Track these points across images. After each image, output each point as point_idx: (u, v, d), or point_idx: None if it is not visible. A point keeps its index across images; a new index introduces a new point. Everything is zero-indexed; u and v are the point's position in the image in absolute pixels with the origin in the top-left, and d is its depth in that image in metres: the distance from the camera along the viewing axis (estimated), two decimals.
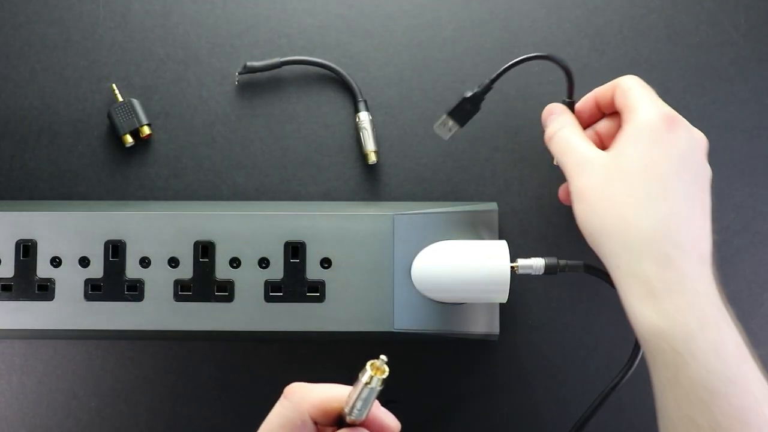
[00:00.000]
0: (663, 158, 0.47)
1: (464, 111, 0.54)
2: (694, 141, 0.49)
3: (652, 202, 0.46)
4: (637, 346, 0.53)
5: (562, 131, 0.51)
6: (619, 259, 0.46)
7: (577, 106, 0.54)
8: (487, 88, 0.54)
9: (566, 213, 0.60)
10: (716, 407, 0.41)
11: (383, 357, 0.37)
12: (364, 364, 0.37)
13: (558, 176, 0.60)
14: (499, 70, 0.54)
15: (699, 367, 0.42)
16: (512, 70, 0.62)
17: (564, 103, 0.54)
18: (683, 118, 0.49)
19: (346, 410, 0.38)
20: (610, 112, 0.53)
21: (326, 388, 0.39)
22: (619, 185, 0.46)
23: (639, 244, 0.45)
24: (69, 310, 0.55)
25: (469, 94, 0.54)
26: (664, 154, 0.47)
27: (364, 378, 0.37)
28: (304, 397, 0.38)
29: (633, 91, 0.49)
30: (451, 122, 0.55)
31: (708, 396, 0.42)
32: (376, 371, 0.37)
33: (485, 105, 0.61)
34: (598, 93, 0.53)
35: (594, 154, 0.49)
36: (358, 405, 0.38)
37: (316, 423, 0.39)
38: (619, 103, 0.50)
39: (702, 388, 0.42)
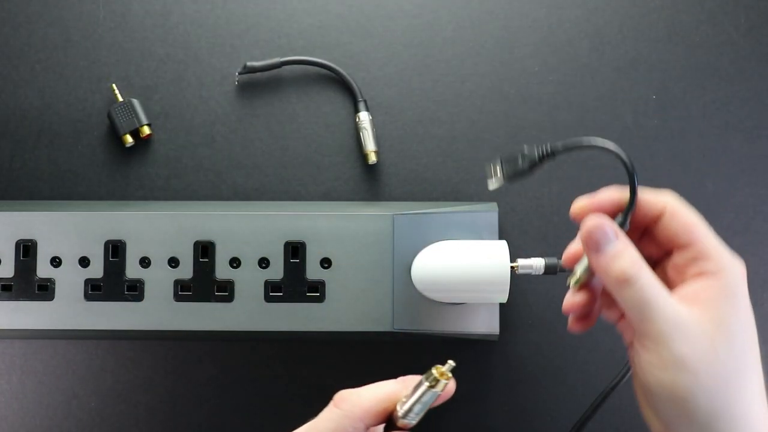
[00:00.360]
0: (753, 320, 0.41)
1: (516, 167, 0.44)
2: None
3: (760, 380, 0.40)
4: None
5: (642, 282, 0.39)
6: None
7: (596, 204, 0.42)
8: (549, 156, 0.43)
9: (566, 213, 0.60)
10: None
11: (451, 362, 0.38)
12: (429, 368, 0.38)
13: (558, 176, 0.60)
14: (570, 145, 0.42)
15: None
16: (512, 70, 0.62)
17: (620, 224, 0.41)
18: None
19: (401, 413, 0.39)
20: (643, 231, 0.43)
21: (375, 391, 0.39)
22: (731, 363, 0.39)
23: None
24: (69, 310, 0.55)
25: (526, 151, 0.43)
26: (751, 316, 0.41)
27: (428, 382, 0.38)
28: (355, 404, 0.39)
29: (703, 231, 0.40)
30: (499, 173, 0.45)
31: None
32: (441, 376, 0.38)
33: (484, 104, 0.61)
34: (641, 206, 0.41)
35: (690, 316, 0.39)
36: (416, 409, 0.38)
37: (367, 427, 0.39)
38: (684, 239, 0.40)
39: None
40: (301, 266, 0.55)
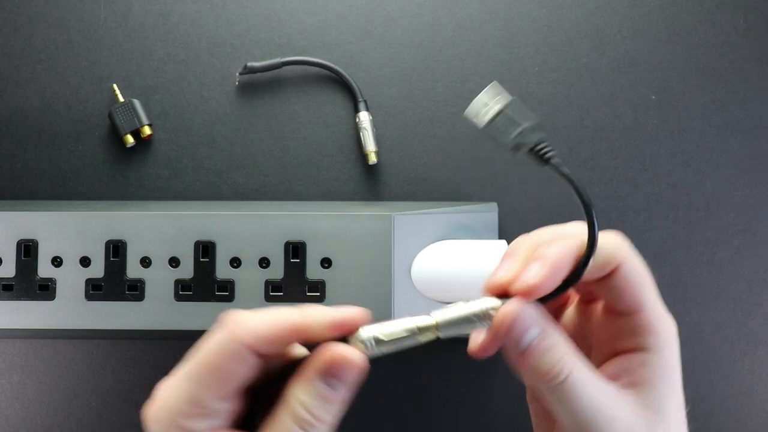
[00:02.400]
0: (681, 393, 0.36)
1: (505, 135, 0.37)
2: None
3: None
4: None
5: (573, 376, 0.33)
6: None
7: (544, 277, 0.33)
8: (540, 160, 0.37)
9: (566, 213, 0.60)
10: None
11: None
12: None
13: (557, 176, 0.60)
14: (562, 171, 0.37)
15: None
16: (512, 70, 0.62)
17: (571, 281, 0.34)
18: None
19: (365, 334, 0.32)
20: (587, 295, 0.37)
21: (269, 314, 0.32)
22: None
23: None
24: (70, 309, 0.55)
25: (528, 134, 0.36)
26: (681, 387, 0.36)
27: (424, 322, 0.32)
28: (241, 324, 0.32)
29: (651, 296, 0.35)
30: (489, 116, 0.36)
31: None
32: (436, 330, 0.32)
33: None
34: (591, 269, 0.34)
35: (626, 408, 0.34)
36: (385, 349, 0.32)
37: (260, 355, 0.32)
38: (630, 306, 0.35)
39: None
40: (302, 266, 0.55)
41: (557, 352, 0.33)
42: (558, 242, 0.34)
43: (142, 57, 0.61)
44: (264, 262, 0.56)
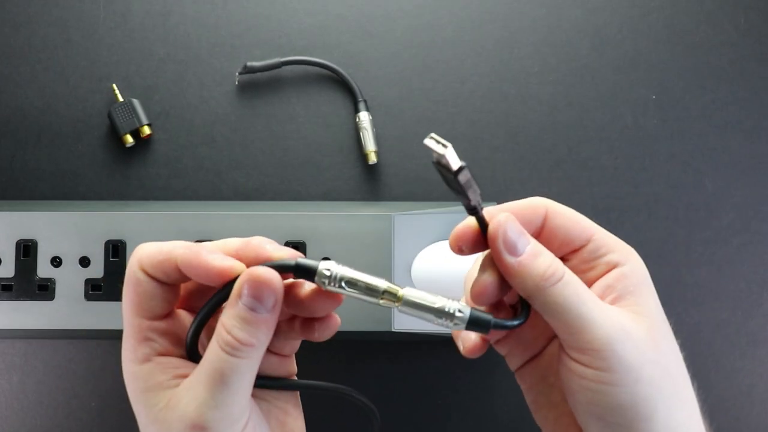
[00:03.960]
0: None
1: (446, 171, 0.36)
2: None
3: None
4: None
5: (567, 275, 0.34)
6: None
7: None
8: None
9: None
10: None
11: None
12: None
13: (558, 176, 0.60)
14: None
15: None
16: (512, 70, 0.62)
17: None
18: None
19: (333, 272, 0.34)
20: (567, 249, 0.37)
21: (166, 243, 0.34)
22: (673, 357, 0.36)
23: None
24: (69, 309, 0.55)
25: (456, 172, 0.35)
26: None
27: (390, 288, 0.33)
28: (136, 250, 0.34)
29: (593, 225, 0.36)
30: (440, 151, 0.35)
31: None
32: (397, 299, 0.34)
33: (484, 104, 0.61)
34: (520, 216, 0.36)
35: (625, 316, 0.35)
36: (343, 291, 0.34)
37: (160, 281, 0.34)
38: (581, 236, 0.36)
39: None
40: None
41: (548, 255, 0.34)
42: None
43: (142, 57, 0.61)
44: None
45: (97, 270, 0.55)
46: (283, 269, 0.33)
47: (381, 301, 0.34)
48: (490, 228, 0.34)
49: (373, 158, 0.59)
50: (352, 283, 0.34)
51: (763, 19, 0.61)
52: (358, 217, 0.56)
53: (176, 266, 0.33)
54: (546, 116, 0.61)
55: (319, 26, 0.61)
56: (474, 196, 0.35)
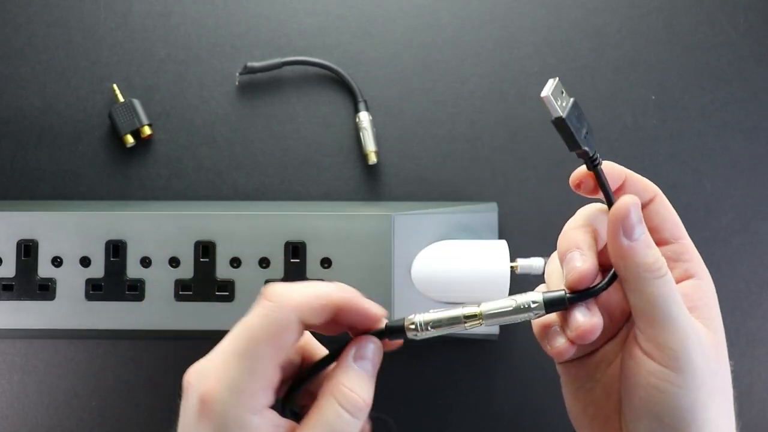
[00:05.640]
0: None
1: (574, 134, 0.38)
2: None
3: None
4: None
5: (670, 274, 0.36)
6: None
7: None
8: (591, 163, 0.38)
9: (566, 213, 0.60)
10: None
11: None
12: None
13: (558, 176, 0.60)
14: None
15: None
16: (512, 70, 0.62)
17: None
18: None
19: (415, 320, 0.36)
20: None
21: (309, 285, 0.35)
22: (725, 375, 0.37)
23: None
24: (70, 309, 0.55)
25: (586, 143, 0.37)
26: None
27: (470, 311, 0.35)
28: (287, 294, 0.34)
29: (684, 229, 0.39)
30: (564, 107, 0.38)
31: None
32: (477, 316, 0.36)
33: (484, 104, 0.61)
34: (633, 186, 0.38)
35: (700, 326, 0.36)
36: (435, 333, 0.36)
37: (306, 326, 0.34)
38: (673, 233, 0.38)
39: None
40: (302, 266, 0.55)
41: (656, 249, 0.36)
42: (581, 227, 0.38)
43: (143, 57, 0.61)
44: (264, 262, 0.56)
45: (97, 270, 0.56)
46: (380, 335, 0.37)
47: (466, 325, 0.36)
48: (615, 206, 0.35)
49: (373, 158, 0.59)
50: (436, 324, 0.37)
51: (763, 19, 0.61)
52: (358, 217, 0.56)
53: (333, 311, 0.35)
54: (546, 116, 0.61)
55: (319, 26, 0.61)
56: (590, 147, 0.36)
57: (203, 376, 0.33)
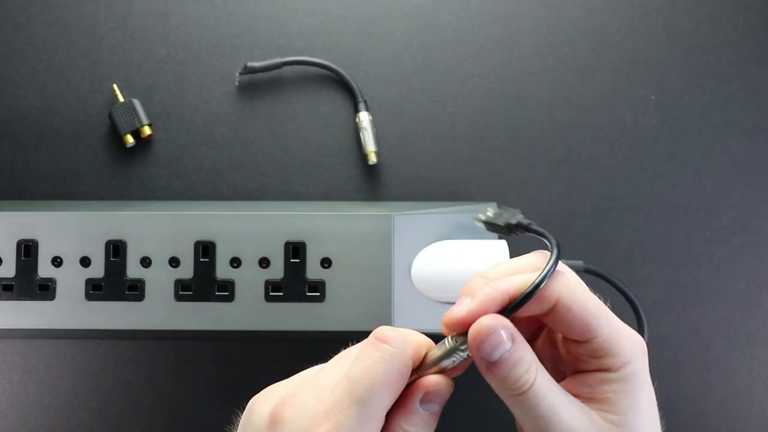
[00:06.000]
0: (654, 406, 0.37)
1: (496, 223, 0.41)
2: None
3: None
4: None
5: (537, 386, 0.34)
6: None
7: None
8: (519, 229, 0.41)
9: (566, 213, 0.61)
10: None
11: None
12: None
13: (558, 176, 0.60)
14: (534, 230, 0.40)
15: None
16: (512, 70, 0.62)
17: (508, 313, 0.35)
18: None
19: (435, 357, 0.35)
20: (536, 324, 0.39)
21: (416, 333, 0.34)
22: None
23: None
24: (70, 309, 0.55)
25: (514, 222, 0.40)
26: (653, 401, 0.37)
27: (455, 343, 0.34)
28: (406, 341, 0.33)
29: (601, 322, 0.35)
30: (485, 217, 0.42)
31: None
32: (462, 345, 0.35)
33: (484, 104, 0.61)
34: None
35: (591, 426, 0.35)
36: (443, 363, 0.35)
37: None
38: (580, 336, 0.35)
39: None
40: (302, 266, 0.55)
41: (524, 364, 0.34)
42: (495, 282, 0.35)
43: (143, 57, 0.61)
44: (264, 262, 0.56)
45: (97, 270, 0.56)
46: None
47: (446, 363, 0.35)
48: (472, 328, 0.34)
49: (373, 158, 0.59)
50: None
51: (762, 19, 0.61)
52: (358, 217, 0.56)
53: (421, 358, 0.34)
54: (546, 116, 0.61)
55: (319, 26, 0.61)
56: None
57: (311, 415, 0.32)
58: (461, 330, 0.35)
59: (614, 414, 0.35)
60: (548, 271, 0.34)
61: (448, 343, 0.35)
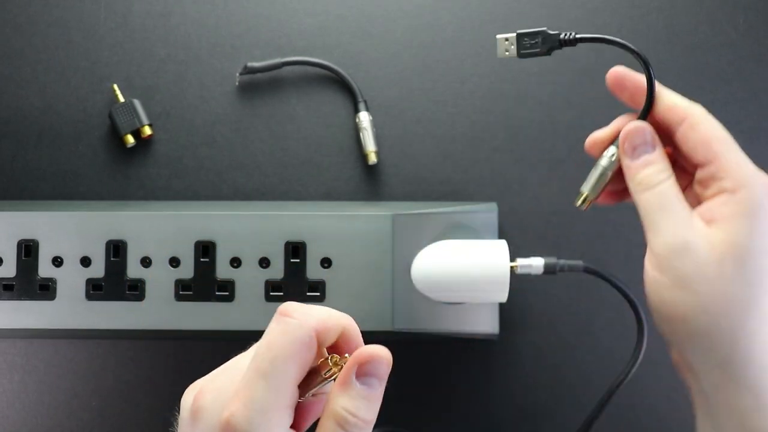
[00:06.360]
0: None
1: (533, 44, 0.45)
2: None
3: None
4: (639, 346, 0.54)
5: (662, 186, 0.40)
6: (722, 376, 0.37)
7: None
8: (570, 43, 0.45)
9: (566, 213, 0.61)
10: None
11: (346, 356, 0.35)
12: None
13: (558, 176, 0.60)
14: (592, 36, 0.45)
15: None
16: (512, 70, 0.62)
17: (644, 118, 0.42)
18: None
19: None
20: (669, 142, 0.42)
21: (324, 308, 0.35)
22: (738, 284, 0.37)
23: (757, 369, 0.37)
24: (70, 309, 0.55)
25: (551, 32, 0.44)
26: None
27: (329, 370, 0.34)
28: (309, 313, 0.33)
29: (723, 147, 0.39)
30: (513, 46, 0.45)
31: None
32: (335, 366, 0.34)
33: (484, 104, 0.61)
34: (661, 108, 0.42)
35: (702, 234, 0.38)
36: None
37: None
38: (702, 155, 0.39)
39: None
40: (302, 266, 0.55)
41: (660, 165, 0.40)
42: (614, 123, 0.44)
43: (143, 57, 0.61)
44: (264, 262, 0.56)
45: (98, 270, 0.56)
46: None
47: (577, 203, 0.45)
48: (624, 130, 0.42)
49: (373, 158, 0.59)
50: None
51: (762, 19, 0.61)
52: (358, 217, 0.56)
53: (339, 334, 0.34)
54: (546, 116, 0.61)
55: (319, 27, 0.61)
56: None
57: (220, 399, 0.32)
58: (608, 146, 0.43)
59: (728, 233, 0.37)
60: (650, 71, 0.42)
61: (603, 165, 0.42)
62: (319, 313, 0.34)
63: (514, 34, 0.44)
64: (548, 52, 0.45)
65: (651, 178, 0.40)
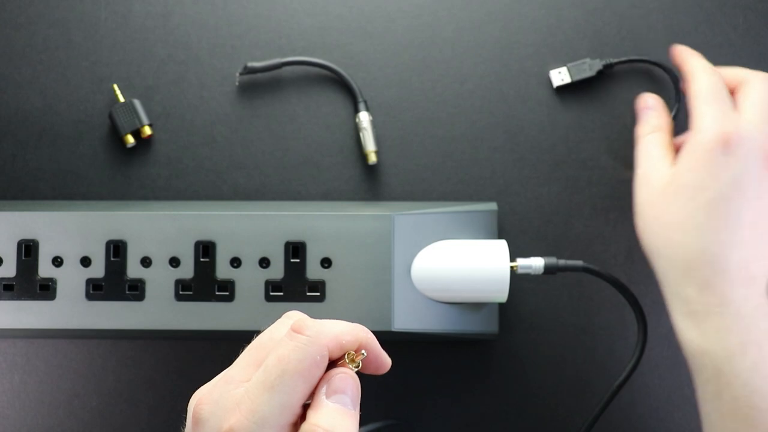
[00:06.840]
0: (713, 182, 0.46)
1: (582, 70, 0.60)
2: (750, 163, 0.46)
3: (697, 228, 0.46)
4: (640, 346, 0.54)
5: (649, 137, 0.53)
6: (666, 278, 0.48)
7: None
8: (608, 67, 0.60)
9: (566, 213, 0.61)
10: (760, 424, 0.42)
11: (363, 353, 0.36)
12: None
13: (558, 176, 0.61)
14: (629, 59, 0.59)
15: (741, 385, 0.42)
16: (512, 70, 0.62)
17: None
18: (746, 135, 0.47)
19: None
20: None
21: (335, 321, 0.35)
22: (672, 207, 0.48)
23: (682, 267, 0.47)
24: (70, 309, 0.55)
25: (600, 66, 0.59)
26: (714, 179, 0.46)
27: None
28: (320, 330, 0.33)
29: (699, 101, 0.49)
30: (567, 75, 0.60)
31: (752, 413, 0.42)
32: (352, 362, 0.35)
33: (484, 104, 0.61)
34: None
35: (660, 170, 0.50)
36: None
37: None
38: (691, 110, 0.50)
39: (745, 405, 0.42)
40: (302, 266, 0.55)
41: (653, 122, 0.54)
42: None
43: (143, 57, 0.61)
44: (264, 262, 0.56)
45: (98, 270, 0.56)
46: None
47: None
48: (638, 99, 0.57)
49: (373, 158, 0.59)
50: None
51: (762, 20, 0.61)
52: (358, 217, 0.56)
53: (350, 348, 0.34)
54: (546, 116, 0.61)
55: (319, 27, 0.61)
56: None
57: (224, 408, 0.33)
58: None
59: (675, 170, 0.49)
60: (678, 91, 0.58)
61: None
62: (333, 328, 0.34)
63: (566, 67, 0.60)
64: (598, 75, 0.60)
65: (642, 129, 0.54)
